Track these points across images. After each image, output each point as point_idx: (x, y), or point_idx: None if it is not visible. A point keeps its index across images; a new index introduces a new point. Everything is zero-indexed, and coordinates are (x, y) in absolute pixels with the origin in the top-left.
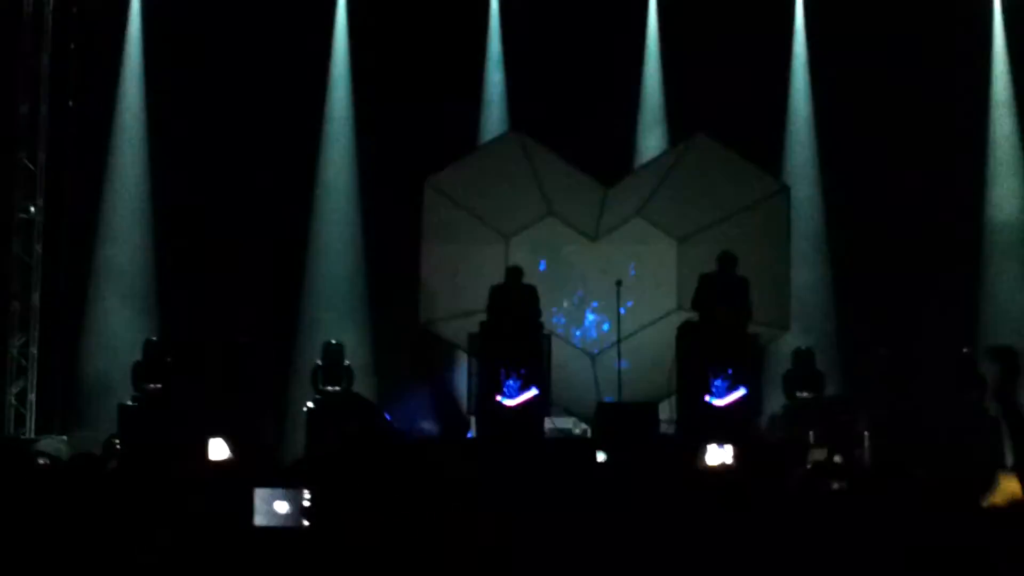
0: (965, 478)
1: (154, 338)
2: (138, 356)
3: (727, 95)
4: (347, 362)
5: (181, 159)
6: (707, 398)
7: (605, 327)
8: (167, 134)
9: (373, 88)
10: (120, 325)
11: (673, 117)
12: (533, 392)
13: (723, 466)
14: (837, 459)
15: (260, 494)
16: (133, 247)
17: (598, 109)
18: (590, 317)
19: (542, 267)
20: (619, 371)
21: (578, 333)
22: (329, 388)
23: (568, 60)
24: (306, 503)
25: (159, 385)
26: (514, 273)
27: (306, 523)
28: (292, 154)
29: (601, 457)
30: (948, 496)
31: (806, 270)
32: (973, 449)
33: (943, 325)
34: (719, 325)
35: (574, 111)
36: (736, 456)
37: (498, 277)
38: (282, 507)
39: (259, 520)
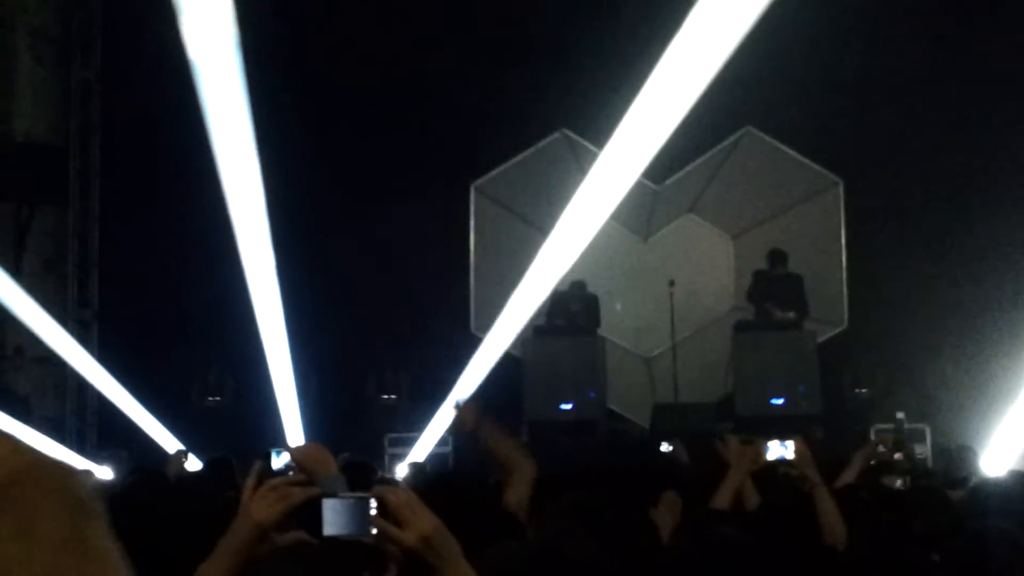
0: None
1: None
2: None
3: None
4: None
5: None
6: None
7: (659, 329)
8: None
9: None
10: None
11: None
12: (589, 396)
13: (782, 462)
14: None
15: (328, 504)
16: None
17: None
18: (640, 319)
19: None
20: (674, 373)
21: (630, 335)
22: None
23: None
24: (373, 511)
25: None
26: (576, 286)
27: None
28: None
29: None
30: None
31: None
32: None
33: None
34: (776, 323)
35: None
36: (798, 451)
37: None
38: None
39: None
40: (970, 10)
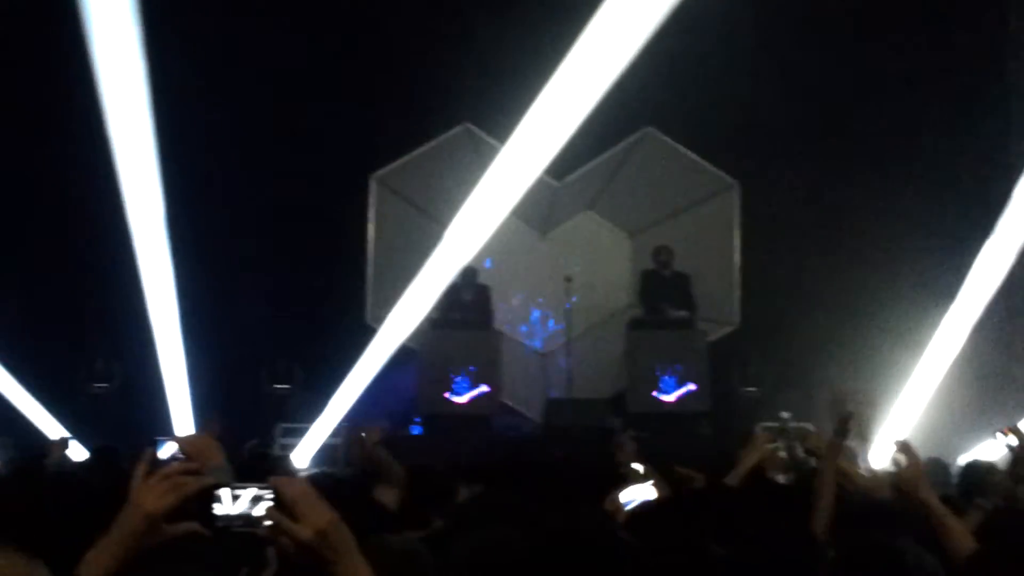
0: None
1: None
2: None
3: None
4: None
5: None
6: (656, 394)
7: (551, 324)
8: None
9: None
10: None
11: (624, 110)
12: (483, 389)
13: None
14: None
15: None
16: None
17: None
18: (536, 313)
19: (487, 264)
20: (568, 369)
21: (525, 329)
22: None
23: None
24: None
25: None
26: (467, 273)
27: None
28: None
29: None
30: None
31: None
32: None
33: None
34: (669, 321)
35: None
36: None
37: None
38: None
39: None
40: (862, 18)
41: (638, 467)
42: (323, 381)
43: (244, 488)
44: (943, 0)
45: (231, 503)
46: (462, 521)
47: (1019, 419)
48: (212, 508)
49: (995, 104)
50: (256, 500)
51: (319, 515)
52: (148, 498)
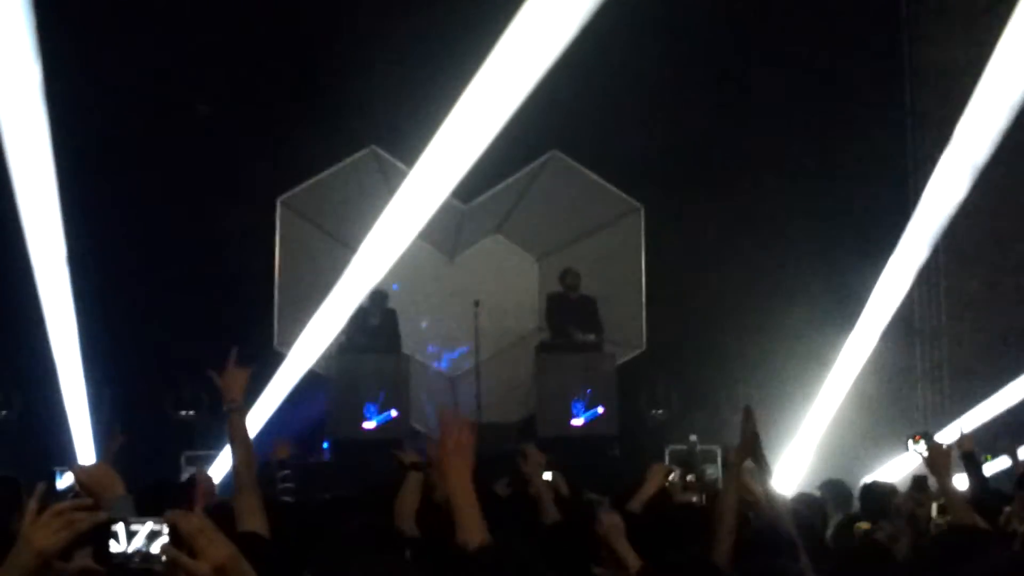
0: None
1: None
2: None
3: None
4: None
5: None
6: (565, 418)
7: (459, 348)
8: None
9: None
10: None
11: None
12: (392, 414)
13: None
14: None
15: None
16: None
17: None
18: (444, 337)
19: (395, 287)
20: (477, 393)
21: (433, 352)
22: None
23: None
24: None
25: None
26: (376, 297)
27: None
28: None
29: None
30: None
31: None
32: None
33: None
34: (577, 345)
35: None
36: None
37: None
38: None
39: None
40: (760, 41)
41: (547, 476)
42: None
43: (140, 523)
44: (846, 31)
45: (127, 540)
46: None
47: (937, 426)
48: (107, 545)
49: (894, 125)
50: (153, 536)
51: (217, 549)
52: (40, 535)
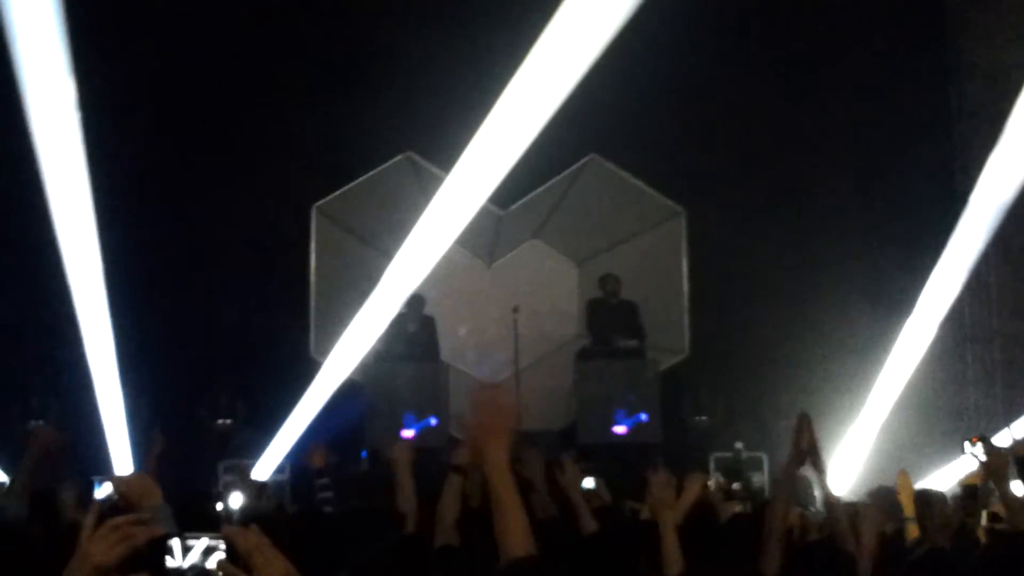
0: None
1: None
2: None
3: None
4: None
5: None
6: (606, 425)
7: (498, 355)
8: None
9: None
10: None
11: (568, 137)
12: (431, 422)
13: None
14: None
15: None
16: None
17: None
18: (487, 345)
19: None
20: (517, 401)
21: (473, 360)
22: None
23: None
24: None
25: None
26: (413, 302)
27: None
28: None
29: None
30: None
31: None
32: None
33: None
34: (618, 351)
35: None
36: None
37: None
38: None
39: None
40: (810, 44)
41: (588, 483)
42: (266, 416)
43: (196, 538)
44: (888, 30)
45: (182, 555)
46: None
47: (989, 431)
48: (163, 560)
49: (940, 126)
50: (208, 552)
51: (273, 567)
52: (98, 549)
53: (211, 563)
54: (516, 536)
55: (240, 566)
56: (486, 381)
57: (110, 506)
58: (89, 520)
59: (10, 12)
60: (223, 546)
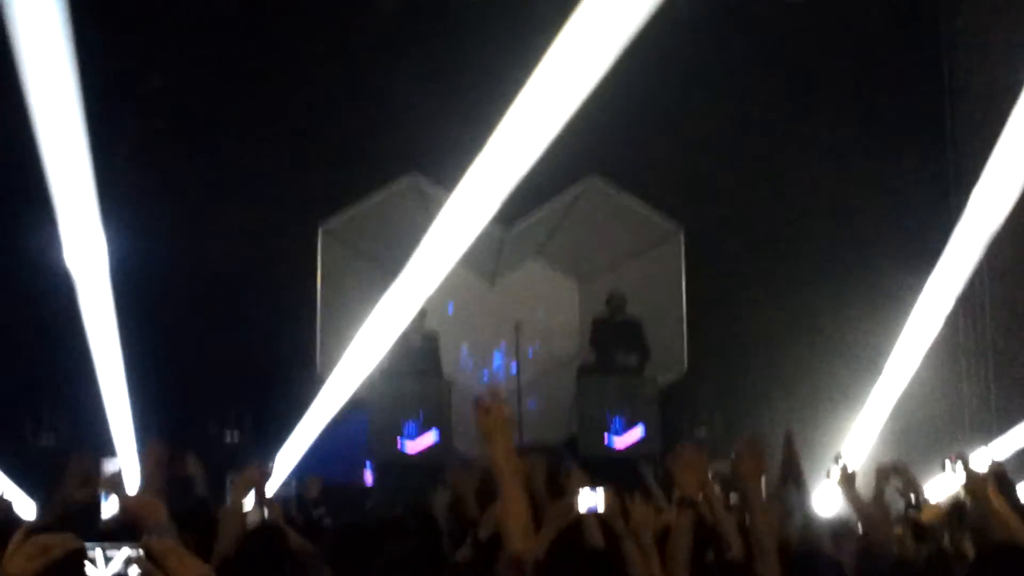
0: None
1: None
2: None
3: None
4: None
5: None
6: (606, 439)
7: (501, 372)
8: None
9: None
10: None
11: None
12: (434, 438)
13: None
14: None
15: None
16: None
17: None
18: (498, 360)
19: (450, 310)
20: (520, 413)
21: (476, 376)
22: None
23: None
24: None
25: None
26: (417, 317)
27: None
28: None
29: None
30: None
31: None
32: None
33: None
34: (618, 368)
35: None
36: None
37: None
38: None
39: None
40: (806, 67)
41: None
42: (274, 430)
43: (117, 549)
44: (885, 48)
45: (104, 565)
46: None
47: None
48: (83, 571)
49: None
50: (130, 561)
51: (190, 570)
52: (15, 564)
53: (132, 572)
54: (517, 526)
55: (160, 572)
56: (489, 386)
57: (115, 522)
58: (17, 537)
59: (13, 13)
60: (143, 554)
